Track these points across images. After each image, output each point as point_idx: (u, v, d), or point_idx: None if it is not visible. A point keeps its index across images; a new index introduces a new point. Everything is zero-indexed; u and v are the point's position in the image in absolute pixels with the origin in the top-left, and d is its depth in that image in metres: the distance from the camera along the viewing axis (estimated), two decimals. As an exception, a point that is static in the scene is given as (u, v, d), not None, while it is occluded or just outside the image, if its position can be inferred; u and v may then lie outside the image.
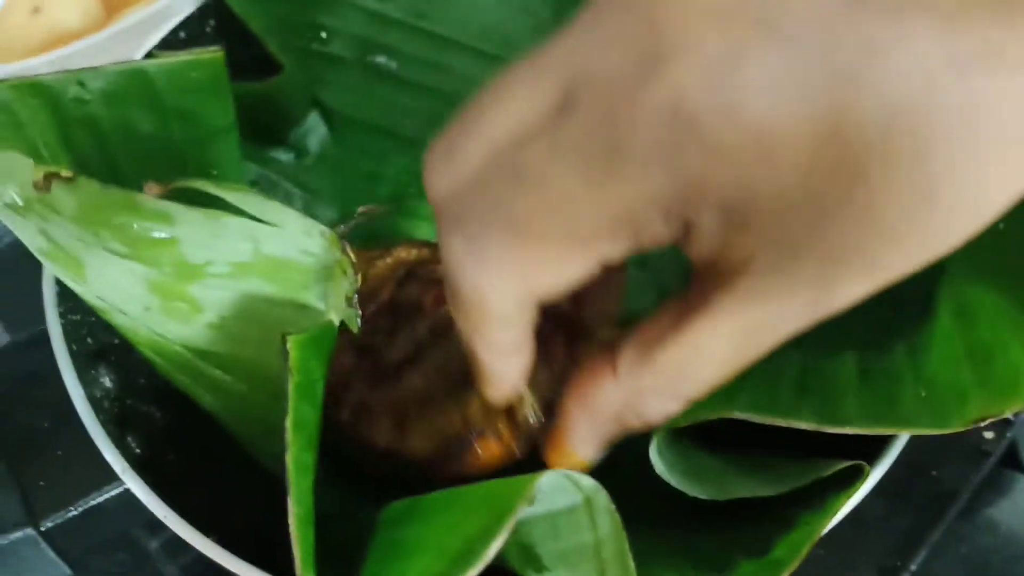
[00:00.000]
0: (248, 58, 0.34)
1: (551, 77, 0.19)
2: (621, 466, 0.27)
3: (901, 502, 0.41)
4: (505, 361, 0.23)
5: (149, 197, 0.22)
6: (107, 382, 0.33)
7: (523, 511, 0.21)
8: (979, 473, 0.41)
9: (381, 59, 0.43)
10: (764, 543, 0.26)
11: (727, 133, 0.16)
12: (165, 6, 0.49)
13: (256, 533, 0.33)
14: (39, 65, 0.48)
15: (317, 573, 0.23)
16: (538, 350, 0.26)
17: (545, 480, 0.22)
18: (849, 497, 0.26)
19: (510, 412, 0.32)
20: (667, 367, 0.21)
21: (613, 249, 0.19)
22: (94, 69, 0.30)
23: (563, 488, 0.24)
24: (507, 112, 0.20)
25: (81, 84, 0.30)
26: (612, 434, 0.23)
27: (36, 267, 0.33)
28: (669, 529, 0.29)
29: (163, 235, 0.24)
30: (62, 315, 0.32)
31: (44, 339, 0.32)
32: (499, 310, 0.21)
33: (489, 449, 0.32)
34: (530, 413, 0.30)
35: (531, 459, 0.30)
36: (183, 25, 0.41)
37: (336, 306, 0.26)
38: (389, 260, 0.40)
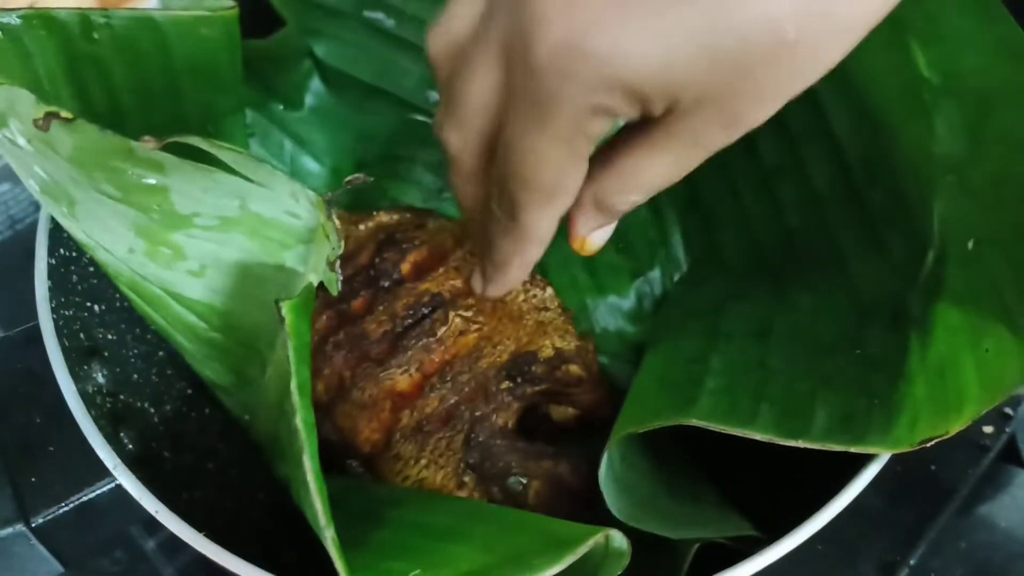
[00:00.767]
0: (246, 12, 0.34)
1: None
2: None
3: (900, 497, 0.41)
4: (549, 225, 0.26)
5: (144, 146, 0.23)
6: (100, 378, 0.33)
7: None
8: (978, 468, 0.41)
9: (378, 15, 0.42)
10: None
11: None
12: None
13: (249, 530, 0.33)
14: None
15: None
16: None
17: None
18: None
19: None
20: (623, 171, 0.25)
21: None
22: (106, 13, 0.30)
23: None
24: None
25: (92, 24, 0.30)
26: (601, 219, 0.27)
27: (29, 264, 0.33)
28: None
29: (154, 183, 0.25)
30: (54, 311, 0.32)
31: (37, 335, 0.32)
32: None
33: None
34: None
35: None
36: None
37: (317, 268, 0.26)
38: (371, 224, 0.41)
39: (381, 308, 0.37)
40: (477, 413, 0.35)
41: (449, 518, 0.27)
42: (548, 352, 0.37)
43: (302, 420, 0.23)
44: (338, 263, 0.26)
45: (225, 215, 0.26)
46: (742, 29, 0.20)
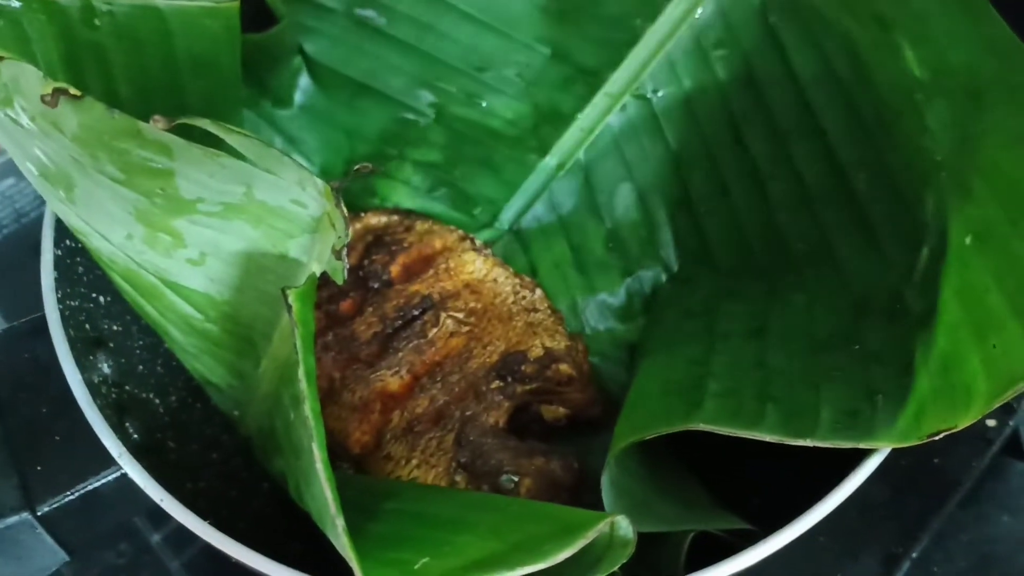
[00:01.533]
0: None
1: None
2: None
3: (904, 490, 0.41)
4: None
5: (152, 127, 0.22)
6: (105, 368, 0.33)
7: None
8: (982, 461, 0.41)
9: (370, 13, 0.42)
10: None
11: None
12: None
13: (253, 519, 0.33)
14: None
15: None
16: None
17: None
18: None
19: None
20: None
21: None
22: (109, 0, 0.30)
23: None
24: None
25: (94, 10, 0.30)
26: None
27: (34, 255, 0.33)
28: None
29: (160, 166, 0.24)
30: (60, 301, 0.33)
31: (42, 326, 0.33)
32: None
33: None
34: None
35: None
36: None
37: (321, 258, 0.26)
38: (359, 226, 0.41)
39: (371, 310, 0.38)
40: (468, 412, 0.35)
41: (452, 508, 0.28)
42: (538, 352, 0.37)
43: (310, 408, 0.23)
44: (344, 251, 0.26)
45: (229, 201, 0.25)
46: None
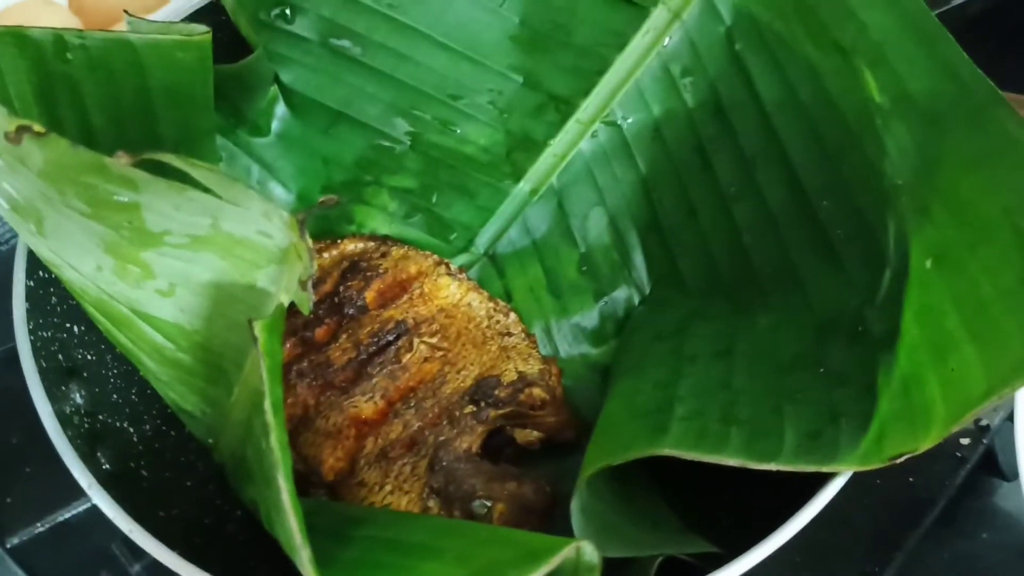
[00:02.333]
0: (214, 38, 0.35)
1: None
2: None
3: (879, 508, 0.41)
4: None
5: (117, 162, 0.23)
6: (78, 398, 0.33)
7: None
8: (956, 479, 0.41)
9: (345, 43, 0.43)
10: None
11: None
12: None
13: (227, 546, 0.33)
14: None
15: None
16: None
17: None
18: None
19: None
20: None
21: None
22: (81, 34, 0.30)
23: None
24: None
25: (66, 44, 0.30)
26: None
27: (6, 285, 0.33)
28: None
29: (126, 199, 0.24)
30: (32, 332, 0.33)
31: (15, 356, 0.33)
32: None
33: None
34: None
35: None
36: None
37: (288, 288, 0.26)
38: (335, 252, 0.41)
39: (345, 336, 0.38)
40: (441, 438, 0.35)
41: (420, 534, 0.28)
42: (511, 376, 0.38)
43: (276, 439, 0.23)
44: (310, 283, 0.26)
45: (196, 233, 0.26)
46: None
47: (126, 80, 0.32)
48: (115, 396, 0.35)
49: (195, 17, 0.39)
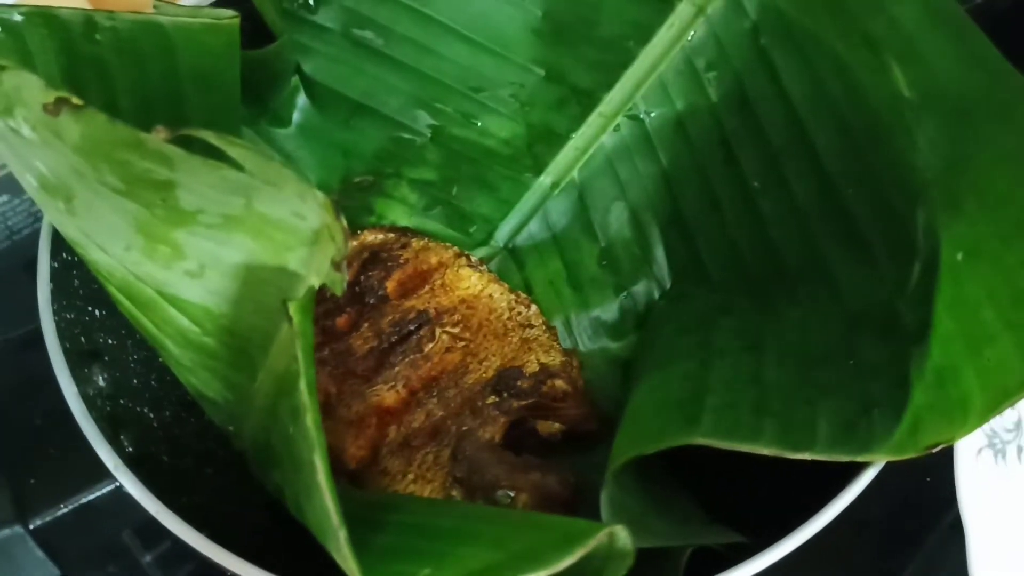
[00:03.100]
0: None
1: None
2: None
3: (898, 507, 0.41)
4: None
5: (154, 138, 0.23)
6: (100, 381, 0.33)
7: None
8: (975, 478, 0.41)
9: (367, 34, 0.43)
10: None
11: None
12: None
13: (248, 533, 0.33)
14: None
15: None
16: None
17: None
18: None
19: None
20: None
21: None
22: (111, 15, 0.30)
23: None
24: None
25: (95, 25, 0.30)
26: None
27: (26, 271, 0.33)
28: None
29: (161, 177, 0.24)
30: (56, 314, 0.32)
31: (37, 339, 0.32)
32: None
33: None
34: None
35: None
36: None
37: (320, 270, 0.26)
38: (355, 243, 0.41)
39: (366, 325, 0.38)
40: (464, 427, 0.35)
41: (453, 520, 0.27)
42: (533, 367, 0.37)
43: (311, 420, 0.23)
44: (343, 264, 0.26)
45: (230, 213, 0.25)
46: None
47: (154, 63, 0.32)
48: (135, 381, 0.35)
49: (222, 3, 0.39)
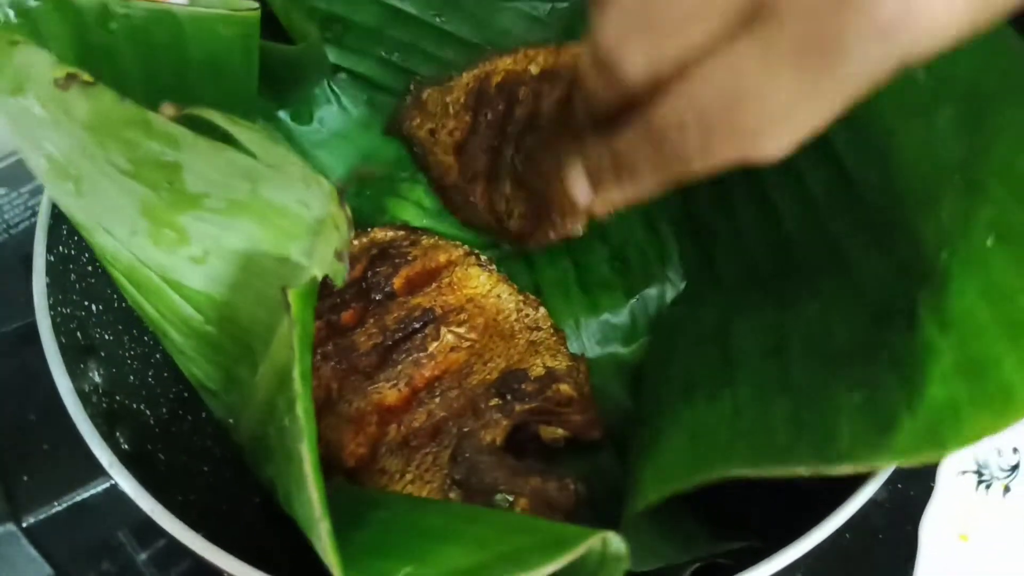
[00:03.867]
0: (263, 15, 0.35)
1: None
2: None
3: (902, 514, 0.41)
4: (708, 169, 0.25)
5: (162, 117, 0.22)
6: (96, 377, 0.33)
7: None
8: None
9: (394, 57, 0.44)
10: None
11: None
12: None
13: (243, 532, 0.32)
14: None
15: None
16: None
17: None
18: None
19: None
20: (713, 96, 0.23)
21: None
22: (126, 3, 0.30)
23: None
24: None
25: (109, 13, 0.30)
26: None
27: (23, 265, 0.33)
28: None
29: (168, 158, 0.24)
30: (51, 308, 0.32)
31: (32, 333, 0.32)
32: None
33: None
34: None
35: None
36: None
37: (323, 260, 0.25)
38: (365, 240, 0.41)
39: (372, 321, 0.37)
40: (465, 429, 0.34)
41: (440, 519, 0.27)
42: (539, 371, 0.37)
43: (303, 409, 0.23)
44: (346, 254, 0.26)
45: (235, 198, 0.25)
46: None
47: (167, 53, 0.32)
48: (132, 377, 0.35)
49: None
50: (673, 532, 0.31)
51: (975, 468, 0.37)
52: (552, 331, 0.39)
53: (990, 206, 0.27)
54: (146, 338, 0.36)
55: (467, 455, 0.33)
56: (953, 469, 0.37)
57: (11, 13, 0.29)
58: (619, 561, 0.24)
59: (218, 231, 0.26)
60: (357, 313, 0.38)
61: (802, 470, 0.25)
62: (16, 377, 0.34)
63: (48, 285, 0.32)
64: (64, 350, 0.31)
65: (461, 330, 0.37)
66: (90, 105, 0.23)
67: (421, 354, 0.36)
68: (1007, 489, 0.37)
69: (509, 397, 0.35)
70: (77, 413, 0.30)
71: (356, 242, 0.41)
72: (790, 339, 0.32)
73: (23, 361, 0.34)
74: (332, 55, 0.44)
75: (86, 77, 0.22)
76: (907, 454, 0.24)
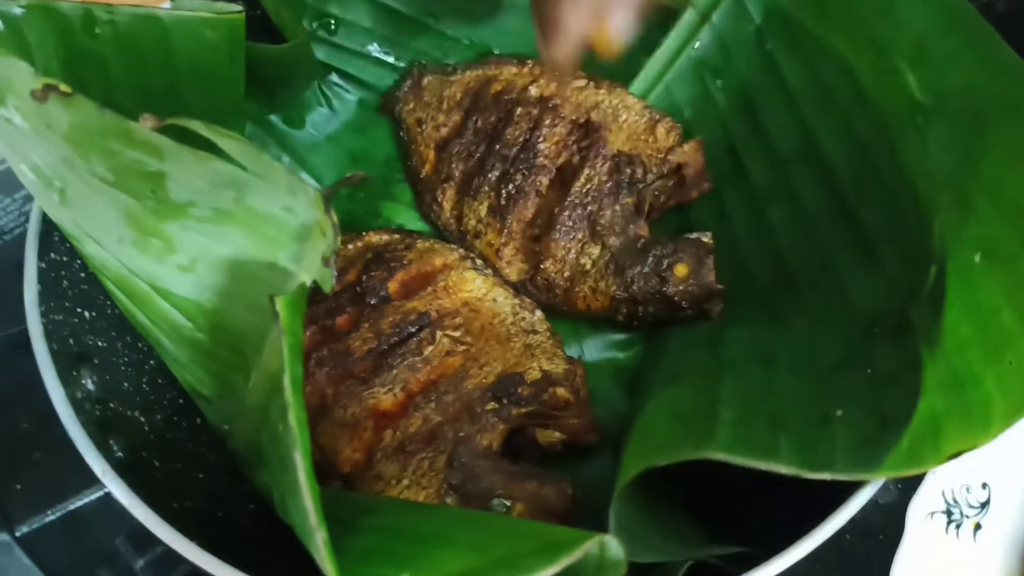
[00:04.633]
0: (253, 18, 0.34)
1: None
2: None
3: (901, 516, 0.40)
4: None
5: (143, 127, 0.22)
6: (89, 384, 0.32)
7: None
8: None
9: (389, 58, 0.44)
10: None
11: None
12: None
13: (239, 539, 0.32)
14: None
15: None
16: None
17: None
18: None
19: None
20: None
21: None
22: (109, 8, 0.30)
23: None
24: None
25: (94, 19, 0.30)
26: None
27: (16, 272, 0.33)
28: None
29: (151, 168, 0.24)
30: (44, 315, 0.32)
31: (25, 340, 0.32)
32: None
33: None
34: None
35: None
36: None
37: (311, 267, 0.25)
38: (360, 244, 0.41)
39: (366, 325, 0.37)
40: (461, 434, 0.34)
41: (437, 524, 0.27)
42: (535, 374, 0.37)
43: (295, 417, 0.23)
44: (333, 259, 0.25)
45: (220, 207, 0.25)
46: None
47: (153, 57, 0.32)
48: (126, 384, 0.35)
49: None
50: (666, 529, 0.31)
51: (944, 508, 0.37)
52: (548, 334, 0.39)
53: (978, 224, 0.27)
54: (140, 344, 0.35)
55: (463, 460, 0.33)
56: (922, 511, 0.36)
57: (-3, 21, 0.29)
58: (617, 565, 0.24)
59: (205, 239, 0.26)
60: (352, 318, 0.38)
61: (783, 469, 0.26)
62: (8, 385, 0.34)
63: (40, 292, 0.32)
64: (56, 357, 0.31)
65: (457, 334, 0.37)
66: (69, 116, 0.23)
67: (416, 358, 0.36)
68: (978, 527, 0.37)
69: (505, 401, 0.35)
70: (70, 421, 0.30)
71: (351, 246, 0.41)
72: (779, 352, 0.32)
73: (15, 368, 0.34)
74: (322, 54, 0.44)
75: (64, 88, 0.22)
76: (887, 468, 0.25)
